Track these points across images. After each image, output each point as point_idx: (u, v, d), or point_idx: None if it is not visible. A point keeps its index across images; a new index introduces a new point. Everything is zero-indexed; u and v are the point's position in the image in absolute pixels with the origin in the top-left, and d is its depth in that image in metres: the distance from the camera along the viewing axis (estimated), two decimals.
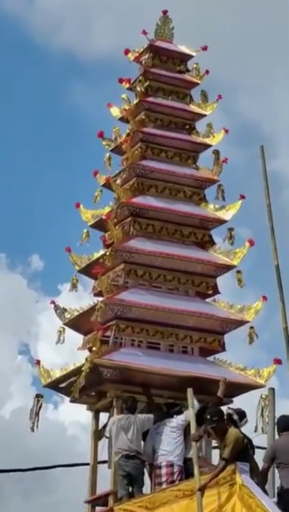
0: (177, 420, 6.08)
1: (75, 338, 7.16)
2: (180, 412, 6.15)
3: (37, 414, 6.97)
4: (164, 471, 5.92)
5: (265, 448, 5.86)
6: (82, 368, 6.20)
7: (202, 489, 4.74)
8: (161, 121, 7.61)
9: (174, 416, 6.13)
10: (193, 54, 7.85)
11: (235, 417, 5.31)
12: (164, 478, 5.87)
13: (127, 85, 7.72)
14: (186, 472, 5.76)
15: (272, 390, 6.94)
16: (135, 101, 7.58)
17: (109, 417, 6.58)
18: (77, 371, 6.36)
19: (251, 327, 7.00)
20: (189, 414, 5.48)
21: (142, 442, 6.16)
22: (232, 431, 5.08)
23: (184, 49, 7.89)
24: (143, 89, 7.56)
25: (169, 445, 5.93)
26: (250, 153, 8.58)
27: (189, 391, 5.53)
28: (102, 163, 7.62)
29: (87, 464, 7.12)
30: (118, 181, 7.07)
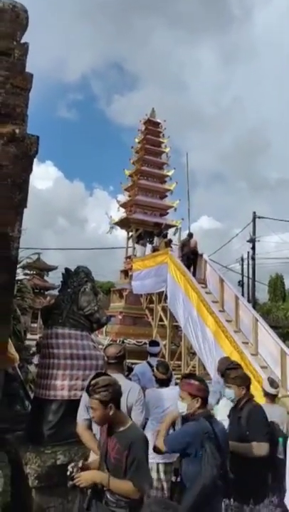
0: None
1: (122, 210, 21.66)
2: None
3: (110, 231, 21.72)
4: None
5: None
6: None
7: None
8: (152, 143, 21.97)
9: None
10: (160, 122, 22.03)
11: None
12: None
13: (140, 135, 22.15)
14: None
15: (180, 228, 21.94)
16: (142, 136, 21.89)
17: (132, 236, 21.32)
18: (122, 219, 21.21)
19: (175, 209, 21.55)
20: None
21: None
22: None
23: (157, 119, 21.91)
24: (146, 132, 21.79)
25: None
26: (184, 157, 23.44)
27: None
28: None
29: (124, 248, 21.79)
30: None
